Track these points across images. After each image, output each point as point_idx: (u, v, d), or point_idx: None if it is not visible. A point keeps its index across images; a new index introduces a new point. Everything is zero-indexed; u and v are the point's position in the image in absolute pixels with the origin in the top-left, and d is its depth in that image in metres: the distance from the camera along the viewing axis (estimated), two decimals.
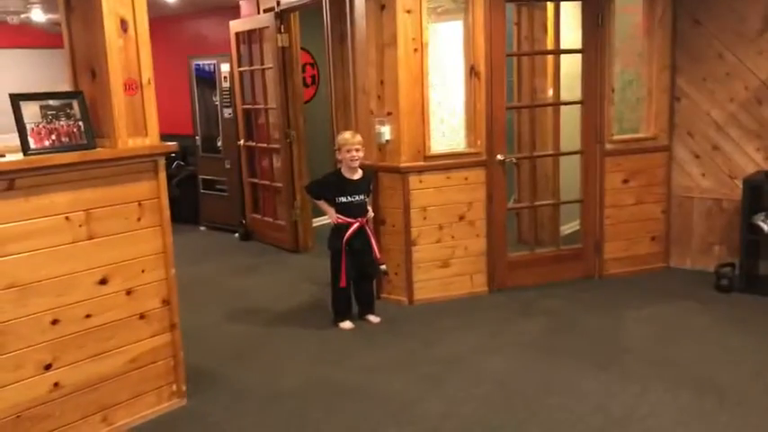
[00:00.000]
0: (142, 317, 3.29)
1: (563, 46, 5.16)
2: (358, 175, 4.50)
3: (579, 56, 5.18)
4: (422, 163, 4.84)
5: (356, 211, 4.48)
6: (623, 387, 3.56)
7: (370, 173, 4.66)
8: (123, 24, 3.07)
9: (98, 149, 3.08)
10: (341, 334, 4.49)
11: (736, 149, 5.19)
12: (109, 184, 3.10)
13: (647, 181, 5.40)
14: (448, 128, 5.10)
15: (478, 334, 4.38)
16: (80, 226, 3.00)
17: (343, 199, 4.45)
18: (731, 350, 4.01)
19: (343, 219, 4.45)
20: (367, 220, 4.56)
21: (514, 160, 5.60)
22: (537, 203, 5.59)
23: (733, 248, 5.12)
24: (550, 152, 5.46)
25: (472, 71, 4.86)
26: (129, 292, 3.22)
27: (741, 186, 4.92)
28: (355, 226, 4.45)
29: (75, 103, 3.08)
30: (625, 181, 5.35)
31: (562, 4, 5.07)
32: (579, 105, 5.25)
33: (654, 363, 3.85)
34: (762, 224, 4.84)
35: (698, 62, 5.24)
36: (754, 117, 5.08)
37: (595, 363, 3.87)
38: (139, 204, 3.22)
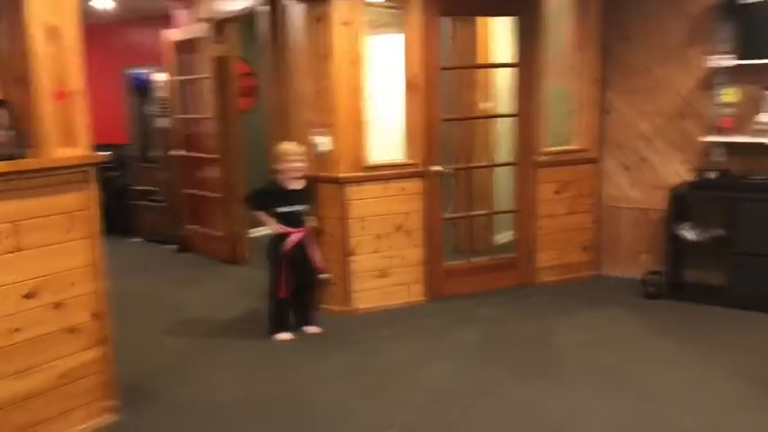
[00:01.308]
0: (72, 331, 3.20)
1: (499, 60, 5.28)
2: (299, 184, 4.50)
3: (513, 70, 5.31)
4: (360, 173, 4.87)
5: (296, 220, 4.47)
6: (558, 393, 3.64)
7: (311, 182, 4.66)
8: (52, 32, 3.00)
9: (26, 159, 3.00)
10: (279, 345, 4.47)
11: (662, 161, 5.41)
12: (37, 195, 3.02)
13: (579, 192, 5.57)
14: (387, 139, 5.15)
15: (416, 343, 4.42)
16: (6, 238, 2.91)
17: (284, 209, 4.43)
18: (659, 354, 4.15)
19: (284, 229, 4.43)
20: (308, 230, 4.55)
21: (451, 171, 5.69)
22: (472, 213, 5.69)
23: (660, 257, 5.31)
24: (485, 163, 5.57)
25: (409, 83, 4.93)
26: (57, 306, 3.13)
27: (667, 197, 5.11)
28: (296, 236, 4.44)
29: (2, 113, 2.99)
30: (557, 192, 5.49)
31: (498, 18, 5.20)
32: (514, 118, 5.38)
33: (587, 368, 3.96)
34: (685, 233, 5.04)
35: (626, 76, 5.45)
36: (677, 129, 5.31)
37: (530, 370, 3.96)
38: (69, 215, 3.14)
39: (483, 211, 5.66)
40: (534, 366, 4.00)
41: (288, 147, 4.49)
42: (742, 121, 4.98)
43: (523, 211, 5.48)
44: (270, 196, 4.49)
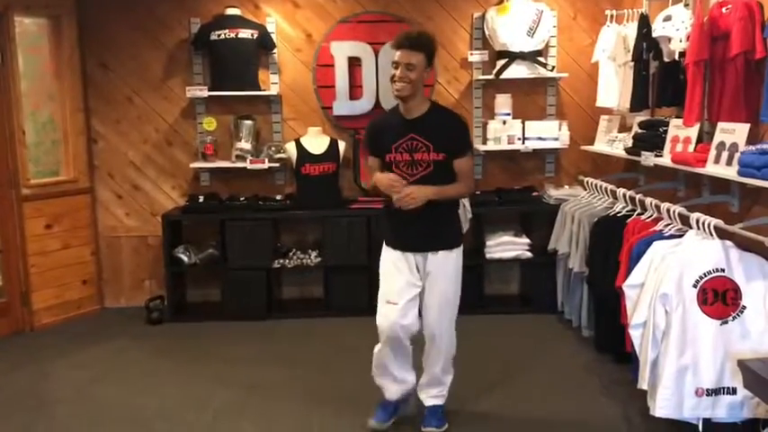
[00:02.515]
0: None
1: None
2: None
3: None
4: None
5: None
6: None
7: None
8: None
9: None
10: None
11: (154, 188, 5.52)
12: None
13: (73, 224, 5.32)
14: None
15: None
16: None
17: None
18: (162, 378, 4.21)
19: None
20: None
21: None
22: None
23: (162, 281, 5.40)
24: None
25: None
26: None
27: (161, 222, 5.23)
28: None
29: None
30: (48, 226, 5.15)
31: None
32: None
33: (83, 409, 3.79)
34: (182, 256, 5.23)
35: (110, 105, 5.41)
36: (166, 157, 5.48)
37: (20, 423, 3.60)
38: None
39: None
40: (25, 418, 3.65)
41: None
42: (223, 147, 5.40)
43: (11, 251, 4.98)
44: None
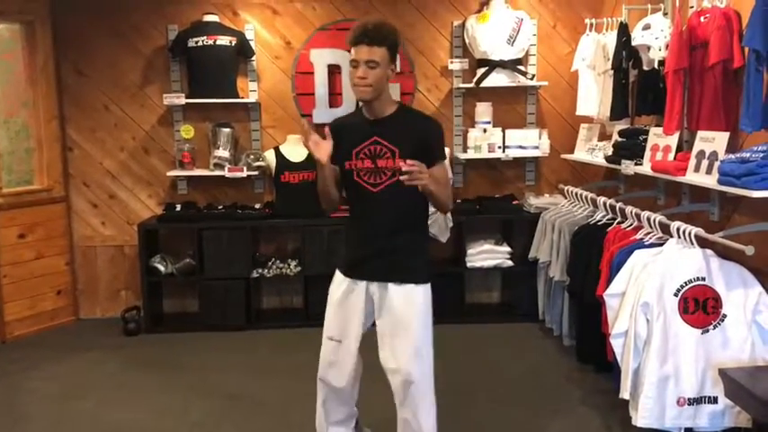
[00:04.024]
0: None
1: None
2: None
3: None
4: None
5: None
6: None
7: None
8: None
9: None
10: None
11: (131, 197, 5.43)
12: None
13: (47, 234, 5.22)
14: None
15: None
16: None
17: None
18: (138, 389, 4.13)
19: None
20: None
21: None
22: None
23: (138, 292, 5.30)
24: None
25: None
26: None
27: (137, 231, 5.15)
28: None
29: None
30: (22, 235, 5.05)
31: None
32: None
33: (57, 423, 3.70)
34: (159, 266, 5.15)
35: (86, 113, 5.32)
36: (143, 165, 5.40)
37: None
38: None
39: None
40: None
41: None
42: (201, 155, 5.33)
43: None
44: None
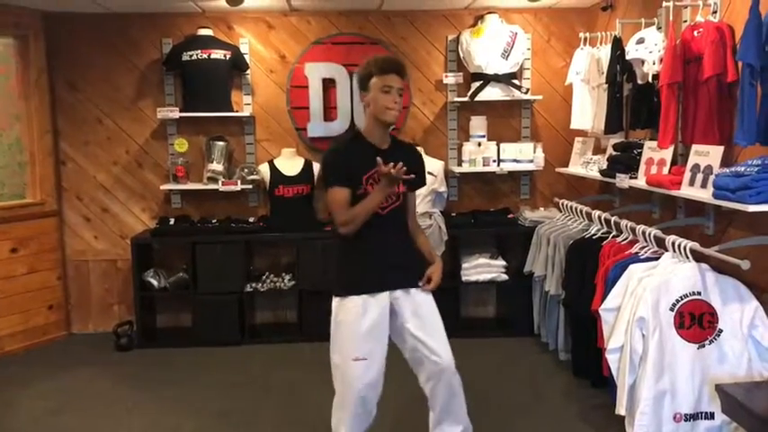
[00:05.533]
0: None
1: None
2: None
3: None
4: None
5: None
6: None
7: None
8: None
9: None
10: None
11: (124, 210, 5.40)
12: None
13: (39, 248, 5.18)
14: None
15: None
16: None
17: None
18: (131, 406, 4.07)
19: None
20: None
21: None
22: None
23: (131, 306, 5.26)
24: None
25: None
26: None
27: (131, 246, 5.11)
28: None
29: None
30: (14, 250, 5.01)
31: None
32: None
33: None
34: (152, 280, 5.11)
35: (79, 127, 5.31)
36: (137, 179, 5.38)
37: None
38: None
39: None
40: None
41: None
42: (195, 168, 5.31)
43: None
44: None
